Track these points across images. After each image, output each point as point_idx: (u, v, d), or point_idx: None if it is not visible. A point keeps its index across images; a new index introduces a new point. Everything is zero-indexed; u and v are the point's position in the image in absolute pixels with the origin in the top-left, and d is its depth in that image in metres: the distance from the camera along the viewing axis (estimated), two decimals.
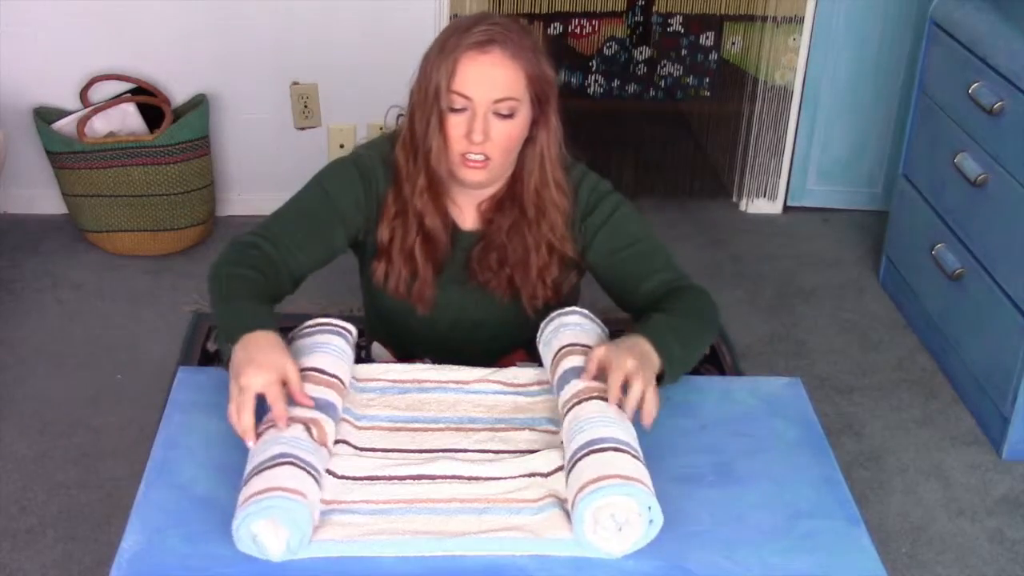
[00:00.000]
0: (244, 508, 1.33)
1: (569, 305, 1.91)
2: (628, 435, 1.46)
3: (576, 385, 1.53)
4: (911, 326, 3.17)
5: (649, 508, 1.36)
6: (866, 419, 2.79)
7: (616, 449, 1.41)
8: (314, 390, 1.51)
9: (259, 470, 1.38)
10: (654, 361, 1.57)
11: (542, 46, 1.72)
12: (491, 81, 1.65)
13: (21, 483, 2.41)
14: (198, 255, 3.34)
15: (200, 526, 1.40)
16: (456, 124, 1.68)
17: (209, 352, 2.86)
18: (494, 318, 1.70)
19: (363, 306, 2.04)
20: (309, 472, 1.38)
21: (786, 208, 3.81)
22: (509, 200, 1.80)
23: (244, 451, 1.52)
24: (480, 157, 1.69)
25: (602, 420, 1.46)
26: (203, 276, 3.15)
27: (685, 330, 1.66)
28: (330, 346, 1.61)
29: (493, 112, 1.67)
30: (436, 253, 1.80)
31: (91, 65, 3.30)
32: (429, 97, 1.68)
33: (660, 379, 1.59)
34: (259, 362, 1.48)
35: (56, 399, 2.68)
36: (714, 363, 2.93)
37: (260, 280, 1.67)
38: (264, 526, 1.33)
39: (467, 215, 1.83)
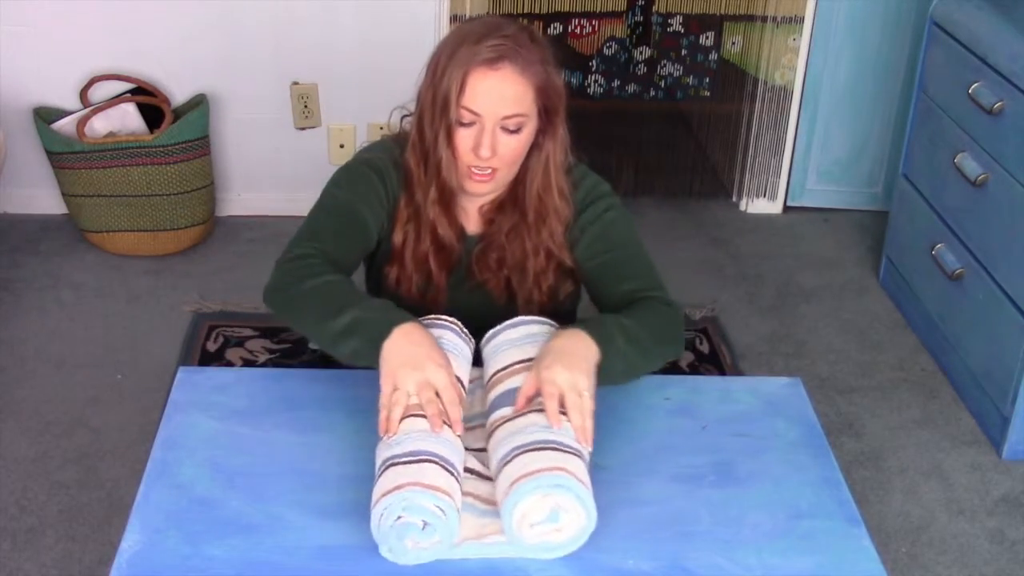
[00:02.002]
0: (432, 494, 1.33)
1: (568, 312, 1.92)
2: (536, 431, 1.44)
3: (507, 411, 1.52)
4: (911, 326, 3.17)
5: (559, 486, 1.35)
6: (866, 419, 2.79)
7: (513, 457, 1.40)
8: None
9: (439, 463, 1.39)
10: (587, 355, 1.53)
11: (552, 56, 1.71)
12: (500, 97, 1.65)
13: (21, 483, 2.41)
14: (198, 255, 3.34)
15: (200, 526, 1.40)
16: (464, 137, 1.68)
17: (209, 352, 2.86)
18: (493, 320, 1.70)
19: None
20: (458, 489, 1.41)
21: (786, 208, 3.81)
22: (510, 203, 1.80)
23: (244, 452, 1.53)
24: (487, 170, 1.70)
25: (508, 436, 1.45)
26: (203, 276, 3.20)
27: (634, 331, 1.62)
28: (450, 345, 1.60)
29: (501, 127, 1.66)
30: (449, 261, 1.81)
31: (91, 65, 3.30)
32: (438, 107, 1.68)
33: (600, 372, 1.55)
34: (416, 363, 1.49)
35: (56, 399, 2.68)
36: (714, 363, 2.93)
37: (348, 280, 1.67)
38: (426, 526, 1.34)
39: (472, 219, 1.83)
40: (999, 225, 2.67)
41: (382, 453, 1.43)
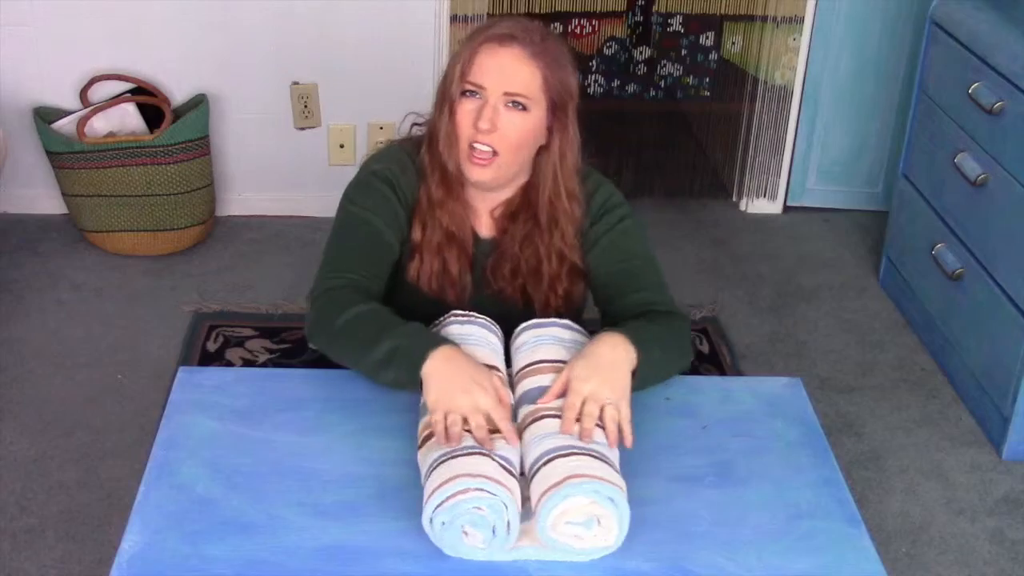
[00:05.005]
0: (485, 483, 1.34)
1: (578, 313, 1.92)
2: (591, 441, 1.45)
3: (535, 406, 1.53)
4: (911, 326, 3.17)
5: (611, 499, 1.36)
6: (866, 419, 2.79)
7: (571, 454, 1.41)
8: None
9: (518, 482, 1.40)
10: (623, 364, 1.56)
11: (569, 58, 1.71)
12: (505, 73, 1.66)
13: (21, 483, 2.41)
14: (198, 255, 3.34)
15: (200, 526, 1.40)
16: (466, 111, 1.68)
17: (209, 352, 2.86)
18: (511, 326, 1.70)
19: None
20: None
21: (786, 208, 3.81)
22: (524, 210, 1.80)
23: (244, 452, 1.53)
24: (487, 149, 1.69)
25: (563, 433, 1.46)
26: (203, 276, 3.21)
27: (663, 340, 1.66)
28: (479, 339, 1.63)
29: (504, 104, 1.67)
30: (462, 252, 1.80)
31: (91, 65, 3.30)
32: (447, 86, 1.70)
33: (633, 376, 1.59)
34: (464, 386, 1.49)
35: (56, 399, 2.68)
36: (714, 363, 2.93)
37: (380, 307, 1.67)
38: (478, 521, 1.34)
39: (483, 221, 1.83)
40: (999, 225, 2.67)
41: (468, 437, 1.43)
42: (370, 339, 1.60)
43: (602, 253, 1.81)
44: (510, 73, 1.66)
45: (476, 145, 1.68)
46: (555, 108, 1.71)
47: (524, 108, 1.67)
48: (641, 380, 1.60)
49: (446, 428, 1.45)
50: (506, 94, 1.66)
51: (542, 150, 1.75)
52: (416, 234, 1.80)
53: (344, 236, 1.78)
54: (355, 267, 1.74)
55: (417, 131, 1.84)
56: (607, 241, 1.81)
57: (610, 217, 1.81)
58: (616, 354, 1.57)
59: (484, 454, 1.39)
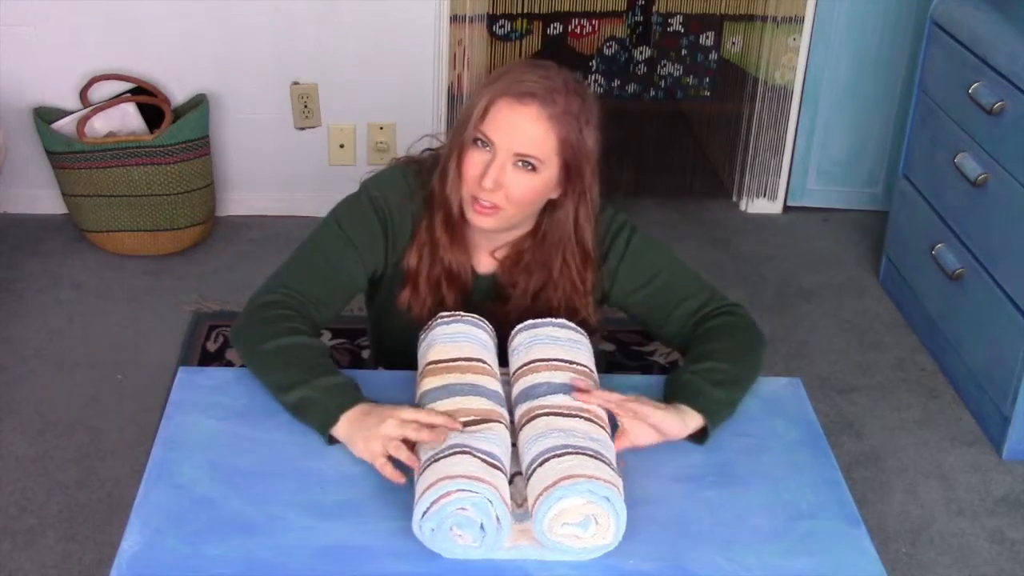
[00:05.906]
0: (475, 485, 1.33)
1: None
2: (586, 439, 1.45)
3: (531, 404, 1.52)
4: (911, 326, 3.17)
5: (607, 498, 1.35)
6: (866, 419, 2.79)
7: (565, 454, 1.40)
8: (476, 379, 1.53)
9: (506, 476, 1.40)
10: (684, 429, 1.58)
11: (594, 116, 1.67)
12: (518, 133, 1.62)
13: (21, 483, 2.41)
14: (198, 255, 3.34)
15: (200, 526, 1.40)
16: (474, 163, 1.64)
17: (209, 352, 2.86)
18: (504, 357, 1.70)
19: (370, 333, 2.02)
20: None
21: (786, 208, 3.81)
22: (537, 267, 1.77)
23: (244, 452, 1.53)
24: (489, 204, 1.65)
25: (557, 432, 1.45)
26: (203, 276, 3.22)
27: (729, 372, 1.65)
28: (468, 336, 1.61)
29: (513, 163, 1.63)
30: (463, 291, 1.78)
31: (91, 65, 3.30)
32: (462, 123, 1.67)
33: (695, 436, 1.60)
34: (367, 433, 1.48)
35: (56, 399, 2.68)
36: None
37: (307, 342, 1.63)
38: (471, 521, 1.34)
39: (481, 257, 1.80)
40: (999, 225, 2.67)
41: (453, 435, 1.42)
42: (285, 381, 1.58)
43: (624, 284, 1.79)
44: (521, 133, 1.61)
45: (480, 199, 1.65)
46: (569, 170, 1.67)
47: (533, 168, 1.63)
48: (719, 423, 1.61)
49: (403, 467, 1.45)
50: (516, 154, 1.62)
51: (554, 207, 1.72)
52: (412, 261, 1.77)
53: (312, 251, 1.76)
54: (307, 286, 1.71)
55: (427, 154, 1.81)
56: (625, 270, 1.79)
57: (616, 245, 1.79)
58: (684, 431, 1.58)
59: (466, 452, 1.38)
